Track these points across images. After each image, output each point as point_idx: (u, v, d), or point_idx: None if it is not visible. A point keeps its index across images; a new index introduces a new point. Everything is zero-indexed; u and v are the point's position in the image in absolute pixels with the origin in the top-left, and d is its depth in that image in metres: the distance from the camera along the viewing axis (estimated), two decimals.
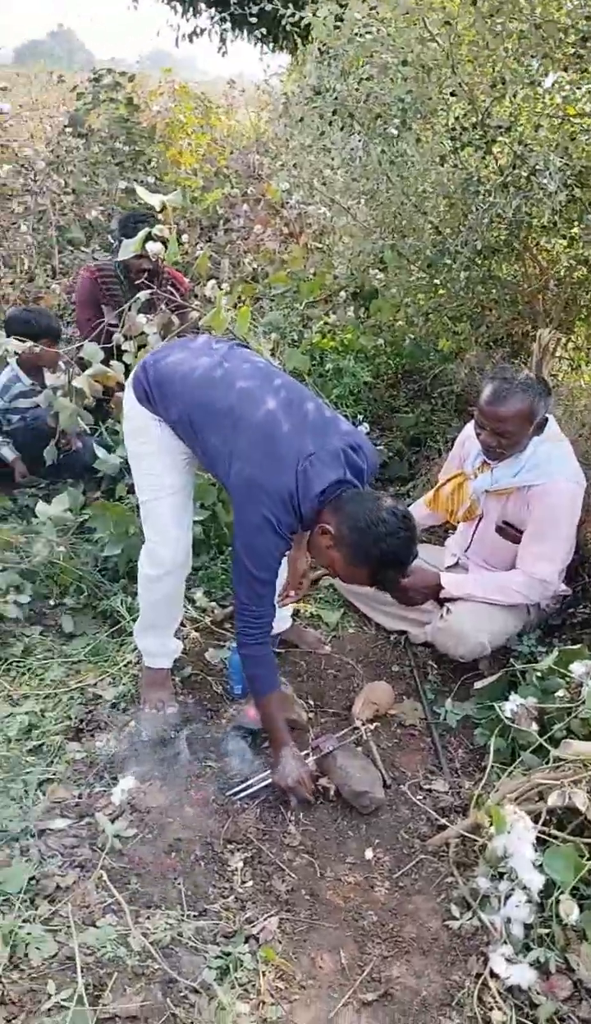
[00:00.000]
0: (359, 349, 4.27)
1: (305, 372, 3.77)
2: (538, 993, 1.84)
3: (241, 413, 2.20)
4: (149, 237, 3.07)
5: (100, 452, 3.60)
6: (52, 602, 3.21)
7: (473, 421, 2.77)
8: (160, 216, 3.29)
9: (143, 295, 3.44)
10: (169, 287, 3.78)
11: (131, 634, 2.88)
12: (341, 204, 4.34)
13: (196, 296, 4.07)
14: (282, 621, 2.99)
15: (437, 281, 4.07)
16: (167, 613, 2.66)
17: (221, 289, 3.60)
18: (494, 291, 4.03)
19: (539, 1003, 1.82)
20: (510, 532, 2.80)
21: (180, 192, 3.47)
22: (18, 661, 2.90)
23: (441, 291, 4.22)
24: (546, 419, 2.65)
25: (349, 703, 2.76)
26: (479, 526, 2.94)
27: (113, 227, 4.82)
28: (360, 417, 3.95)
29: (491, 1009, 1.81)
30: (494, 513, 2.85)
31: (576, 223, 3.44)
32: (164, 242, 3.09)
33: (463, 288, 3.88)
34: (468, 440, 2.94)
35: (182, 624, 3.05)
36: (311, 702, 2.77)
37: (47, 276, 5.62)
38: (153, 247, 3.31)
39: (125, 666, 2.88)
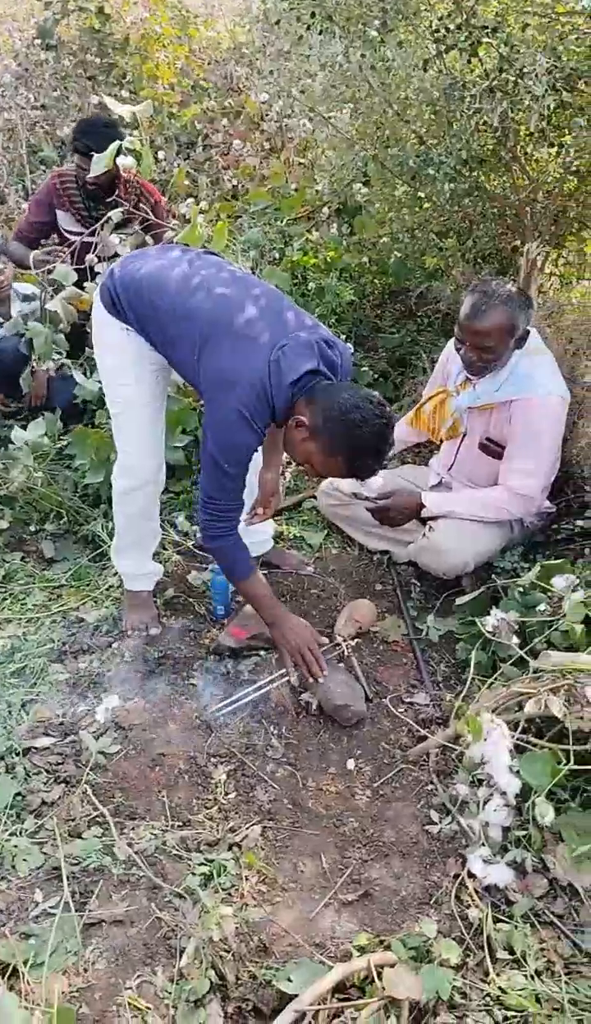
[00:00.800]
0: (343, 267, 4.15)
1: (286, 291, 3.67)
2: (514, 891, 1.89)
3: (217, 317, 2.13)
4: (119, 151, 2.94)
5: (79, 378, 3.52)
6: (32, 528, 3.18)
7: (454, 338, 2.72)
8: (133, 131, 3.16)
9: (115, 213, 3.33)
10: (136, 197, 3.65)
11: None
12: (322, 114, 4.18)
13: (172, 215, 3.93)
14: (263, 544, 2.98)
15: (422, 194, 3.95)
16: (143, 531, 2.65)
17: (198, 206, 3.49)
18: (481, 204, 3.91)
19: (515, 901, 1.87)
20: (493, 448, 2.77)
21: (150, 103, 3.33)
22: None
23: (426, 205, 4.10)
24: (528, 332, 2.60)
25: (332, 622, 2.77)
26: (462, 444, 2.91)
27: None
28: (343, 337, 3.87)
29: (468, 907, 1.86)
30: (477, 430, 2.81)
31: (566, 130, 3.32)
32: (136, 156, 2.97)
33: (448, 201, 3.76)
34: (450, 357, 2.89)
35: (164, 547, 3.05)
36: None
37: (19, 197, 5.43)
38: (124, 161, 3.19)
39: (107, 590, 2.88)
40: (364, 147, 4.00)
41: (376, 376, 4.12)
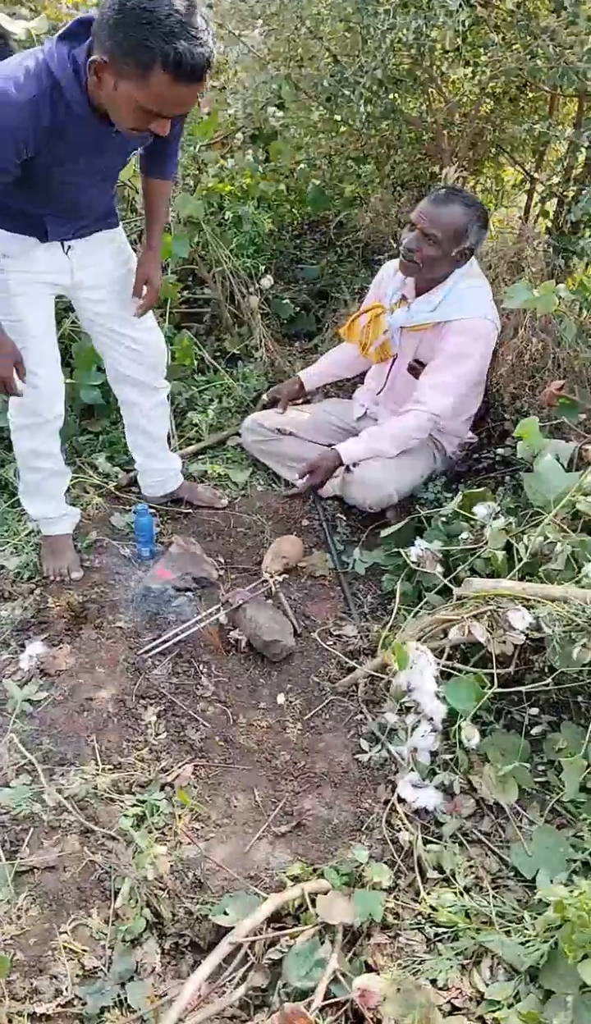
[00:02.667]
0: (260, 196, 4.02)
1: (202, 219, 3.54)
2: (443, 813, 1.93)
3: None
4: None
5: None
6: None
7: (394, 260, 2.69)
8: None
9: None
10: None
11: None
12: (232, 31, 3.99)
13: None
14: (172, 480, 2.92)
15: (338, 117, 3.83)
16: (45, 471, 2.55)
17: None
18: (398, 127, 3.82)
19: (444, 822, 1.92)
20: (420, 370, 2.75)
21: (46, 19, 3.13)
22: None
23: (342, 129, 3.99)
24: (471, 252, 2.57)
25: (259, 559, 2.75)
26: (393, 367, 2.88)
27: None
28: (262, 268, 3.77)
29: (399, 831, 1.89)
30: (408, 352, 2.79)
31: (481, 49, 3.23)
32: None
33: (365, 124, 3.65)
34: (386, 279, 2.86)
35: (86, 490, 2.97)
36: (221, 560, 2.75)
37: None
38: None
39: (27, 536, 2.79)
40: (277, 67, 3.85)
41: (297, 309, 4.04)
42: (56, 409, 2.42)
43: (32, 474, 2.54)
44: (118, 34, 1.60)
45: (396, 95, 3.66)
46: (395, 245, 3.49)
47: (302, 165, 4.33)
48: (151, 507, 2.83)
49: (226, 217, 3.77)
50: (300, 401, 3.24)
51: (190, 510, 2.95)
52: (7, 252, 2.10)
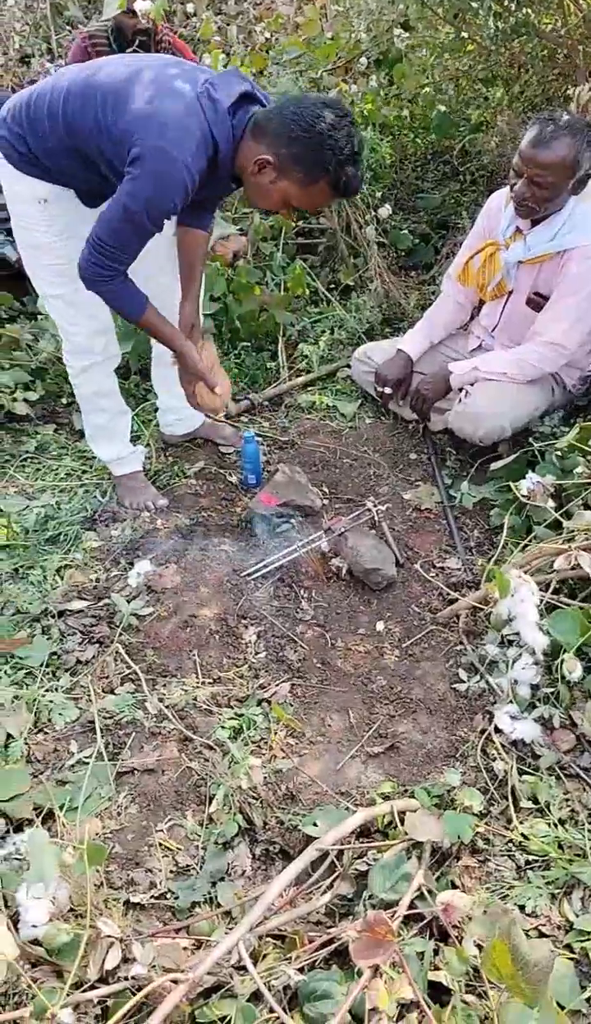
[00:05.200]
0: (382, 122, 3.90)
1: None
2: (541, 746, 1.89)
3: (119, 77, 1.88)
4: None
5: None
6: (64, 400, 3.16)
7: (506, 188, 2.54)
8: None
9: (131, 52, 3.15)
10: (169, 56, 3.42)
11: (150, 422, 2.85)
12: None
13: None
14: (194, 417, 2.91)
15: (466, 35, 3.66)
16: (113, 410, 2.57)
17: (228, 57, 3.27)
18: (529, 44, 3.61)
19: (541, 754, 1.88)
20: (541, 303, 2.62)
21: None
22: (32, 457, 2.90)
23: (470, 47, 3.81)
24: (588, 176, 2.40)
25: (364, 490, 2.73)
26: (508, 302, 2.76)
27: None
28: (380, 197, 3.67)
29: (493, 760, 1.87)
30: (525, 285, 2.66)
31: None
32: None
33: (494, 41, 3.48)
34: (497, 210, 2.70)
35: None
36: (325, 489, 2.74)
37: (45, 59, 5.18)
38: (142, 4, 2.99)
39: None
40: None
41: (416, 240, 3.93)
42: (111, 347, 2.43)
43: (98, 416, 2.56)
44: (297, 147, 1.84)
45: (528, 8, 3.45)
46: None
47: (427, 89, 4.18)
48: (260, 437, 2.84)
49: None
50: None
51: (199, 447, 2.96)
52: (47, 198, 2.09)
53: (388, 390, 2.93)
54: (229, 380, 2.45)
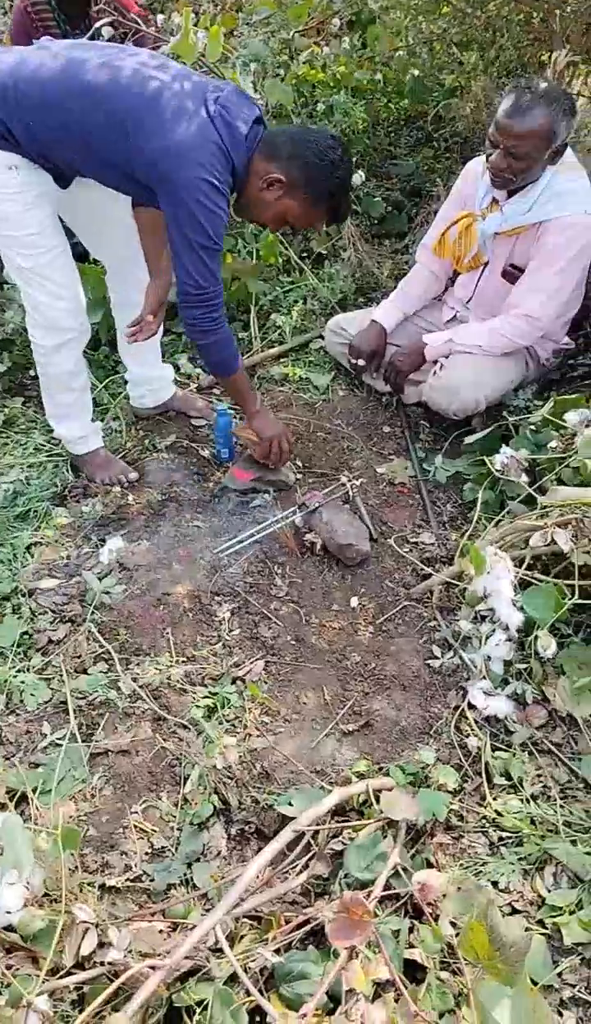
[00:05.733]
0: (354, 85, 3.81)
1: (291, 109, 3.39)
2: (514, 722, 1.91)
3: (128, 92, 1.92)
4: None
5: None
6: (32, 373, 3.08)
7: (481, 155, 2.49)
8: None
9: (105, 29, 3.04)
10: (113, 11, 3.28)
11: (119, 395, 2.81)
12: None
13: (147, 22, 3.52)
14: (165, 389, 2.87)
15: None
16: (81, 387, 2.51)
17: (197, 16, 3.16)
18: (505, 7, 3.54)
19: (514, 731, 1.89)
20: (516, 275, 2.59)
21: None
22: (0, 431, 2.83)
23: (445, 10, 3.72)
24: (565, 145, 2.36)
25: (338, 464, 2.71)
26: (483, 273, 2.72)
27: None
28: (353, 163, 3.59)
29: (467, 736, 1.88)
30: (501, 258, 2.62)
31: None
32: None
33: (469, 3, 3.40)
34: (474, 177, 2.64)
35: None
36: (299, 463, 2.72)
37: None
38: None
39: (108, 434, 2.81)
40: None
41: (389, 207, 3.86)
42: (84, 322, 2.36)
43: (66, 395, 2.49)
44: (309, 171, 2.01)
45: None
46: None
47: (400, 52, 4.08)
48: (232, 411, 2.80)
49: (317, 107, 3.60)
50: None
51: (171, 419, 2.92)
52: (18, 165, 2.03)
53: (361, 362, 2.89)
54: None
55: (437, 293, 2.99)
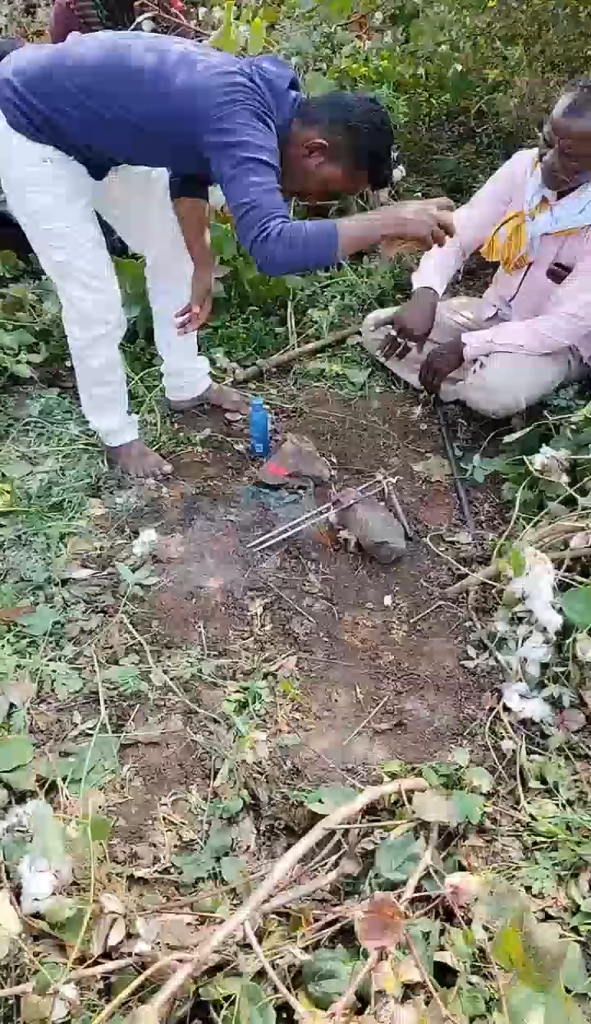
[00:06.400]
0: (396, 80, 3.78)
1: None
2: (550, 725, 1.87)
3: (164, 69, 1.91)
4: None
5: None
6: (68, 364, 3.08)
7: (527, 150, 2.45)
8: None
9: (145, 22, 3.04)
10: (157, 4, 3.28)
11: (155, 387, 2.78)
12: None
13: (183, 14, 3.51)
14: (201, 382, 2.86)
15: None
16: (118, 381, 2.51)
17: (239, 9, 3.15)
18: (552, 2, 3.50)
19: (550, 734, 1.86)
20: (562, 274, 2.55)
21: None
22: (36, 421, 2.84)
23: (490, 4, 3.68)
24: None
25: (374, 461, 2.69)
26: (528, 273, 2.68)
27: None
28: (394, 156, 3.57)
29: (502, 739, 1.85)
30: (547, 257, 2.57)
31: None
32: None
33: None
34: (522, 176, 2.59)
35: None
36: (334, 460, 2.70)
37: (50, 7, 5.02)
38: None
39: (143, 427, 2.81)
40: None
41: None
42: (120, 316, 2.35)
43: (102, 388, 2.49)
44: (353, 136, 1.97)
45: None
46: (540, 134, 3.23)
47: (444, 47, 4.05)
48: (268, 405, 2.78)
49: None
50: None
51: (207, 415, 2.91)
52: (52, 158, 2.02)
53: (411, 344, 2.71)
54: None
55: (460, 259, 2.88)
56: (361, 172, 2.06)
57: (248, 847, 1.69)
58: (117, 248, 2.73)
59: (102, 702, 1.93)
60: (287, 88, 1.98)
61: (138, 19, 3.08)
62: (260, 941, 1.40)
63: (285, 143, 1.98)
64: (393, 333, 2.72)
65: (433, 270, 2.77)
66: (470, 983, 1.38)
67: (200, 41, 3.15)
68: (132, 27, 3.08)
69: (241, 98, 1.85)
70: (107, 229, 2.32)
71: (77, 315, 2.30)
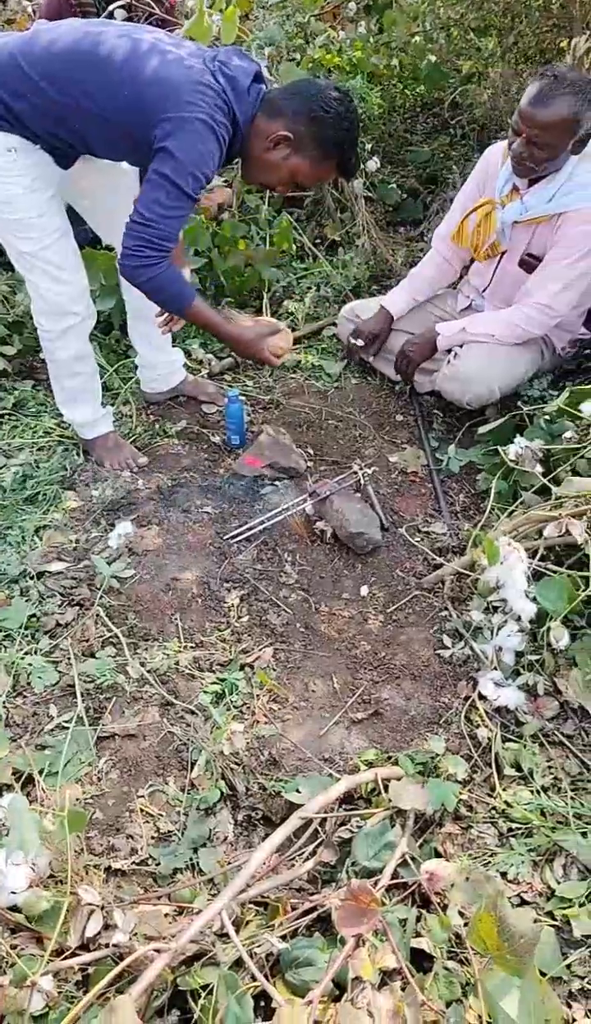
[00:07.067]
0: (370, 71, 3.77)
1: None
2: (524, 713, 1.89)
3: (130, 51, 1.91)
4: None
5: None
6: (42, 355, 3.06)
7: (501, 141, 2.45)
8: None
9: (116, 8, 3.00)
10: None
11: (130, 379, 2.78)
12: None
13: (184, 15, 3.51)
14: (176, 374, 2.85)
15: None
16: (88, 373, 2.50)
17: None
18: None
19: (525, 722, 1.87)
20: (534, 264, 2.56)
21: None
22: (9, 414, 2.82)
23: None
24: (589, 135, 2.32)
25: (350, 452, 2.69)
26: (500, 262, 2.69)
27: None
28: (368, 150, 3.57)
29: (477, 727, 1.86)
30: (519, 246, 2.59)
31: None
32: None
33: None
34: (495, 165, 2.60)
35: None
36: (310, 451, 2.70)
37: None
38: None
39: (119, 419, 2.79)
40: None
41: (404, 194, 3.83)
42: (89, 306, 2.35)
43: (72, 380, 2.48)
44: (317, 127, 1.96)
45: None
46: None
47: (417, 38, 4.04)
48: (243, 397, 2.78)
49: None
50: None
51: (182, 405, 2.90)
52: (16, 147, 2.00)
53: (359, 341, 2.89)
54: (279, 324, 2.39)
55: (451, 280, 2.96)
56: (327, 163, 2.05)
57: (225, 837, 1.69)
58: (89, 239, 2.72)
59: (78, 695, 1.92)
60: (251, 83, 1.95)
61: (110, 7, 3.04)
62: (237, 930, 1.40)
63: (250, 138, 1.99)
64: (352, 339, 2.94)
65: (402, 291, 2.93)
66: (446, 968, 1.40)
67: (173, 30, 3.13)
68: (104, 15, 3.05)
69: (202, 103, 1.86)
70: (76, 219, 2.30)
71: (45, 306, 2.29)
